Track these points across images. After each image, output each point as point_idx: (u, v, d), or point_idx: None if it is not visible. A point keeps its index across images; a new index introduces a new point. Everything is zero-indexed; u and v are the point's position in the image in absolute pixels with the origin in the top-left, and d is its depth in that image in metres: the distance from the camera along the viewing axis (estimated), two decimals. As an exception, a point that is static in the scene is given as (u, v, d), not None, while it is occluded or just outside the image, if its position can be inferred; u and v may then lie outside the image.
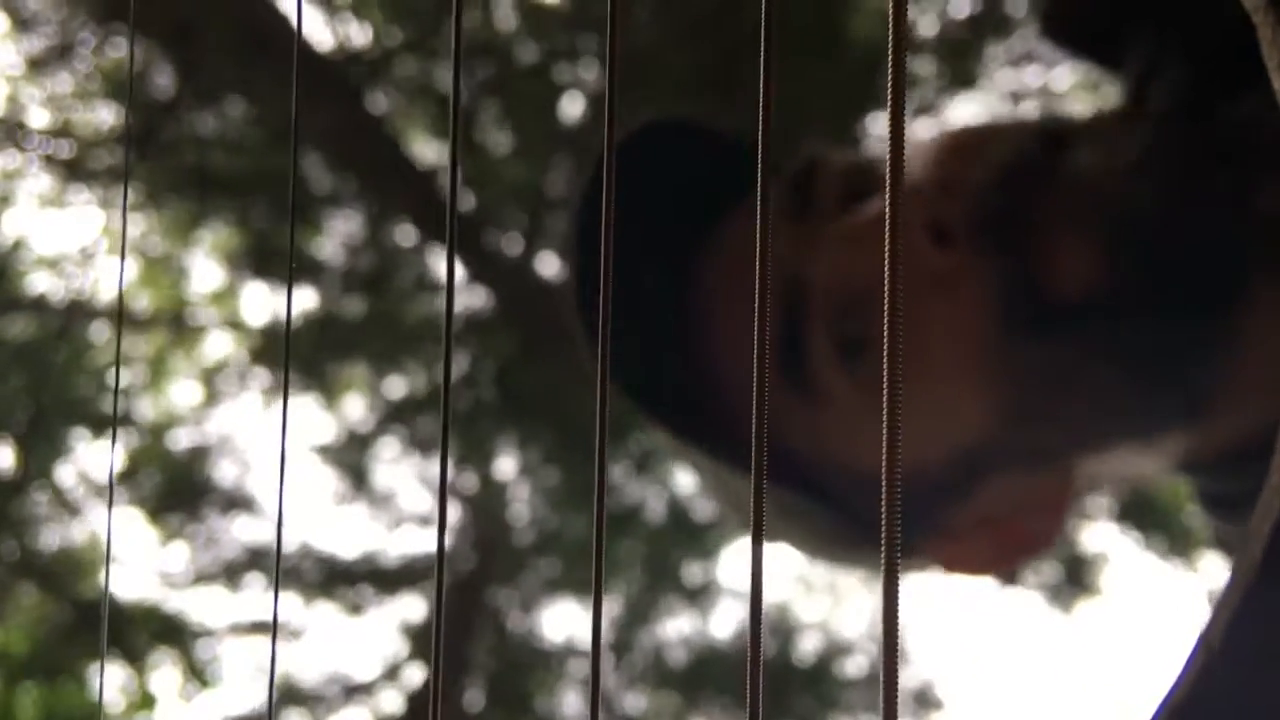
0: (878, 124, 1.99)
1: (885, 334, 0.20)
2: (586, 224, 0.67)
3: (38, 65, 2.31)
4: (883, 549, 0.19)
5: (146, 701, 2.50)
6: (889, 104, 0.20)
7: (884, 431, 0.19)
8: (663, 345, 0.67)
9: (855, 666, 2.65)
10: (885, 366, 0.20)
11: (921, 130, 0.68)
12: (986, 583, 2.49)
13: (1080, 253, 0.61)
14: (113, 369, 2.47)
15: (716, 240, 0.67)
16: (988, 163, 0.64)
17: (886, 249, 0.20)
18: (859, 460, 0.64)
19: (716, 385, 0.66)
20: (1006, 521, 0.66)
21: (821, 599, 2.72)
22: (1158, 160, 0.62)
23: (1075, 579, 2.36)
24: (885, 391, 0.19)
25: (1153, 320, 0.60)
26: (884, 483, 0.20)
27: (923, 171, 0.65)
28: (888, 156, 0.20)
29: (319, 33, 2.26)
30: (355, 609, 2.68)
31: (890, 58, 0.20)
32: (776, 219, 0.67)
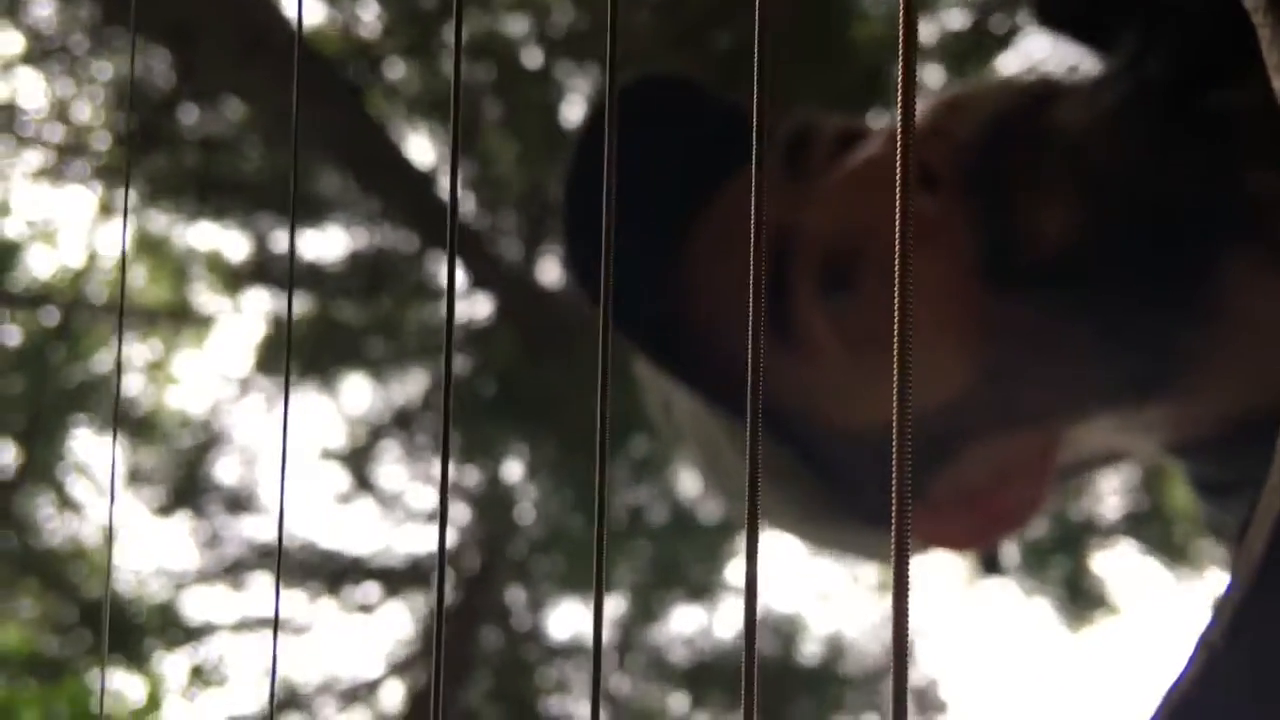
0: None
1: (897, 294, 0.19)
2: (581, 168, 0.67)
3: (39, 62, 2.30)
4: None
5: (152, 701, 2.50)
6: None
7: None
8: (652, 281, 0.67)
9: (857, 665, 2.65)
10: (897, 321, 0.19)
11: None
12: (992, 584, 2.48)
13: (1060, 208, 0.60)
14: (114, 366, 2.46)
15: (710, 193, 0.67)
16: (976, 113, 0.64)
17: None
18: (845, 418, 0.64)
19: (703, 324, 0.66)
20: (986, 492, 0.64)
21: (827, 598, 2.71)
22: (1140, 122, 0.61)
23: (1079, 582, 2.35)
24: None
25: (1129, 282, 0.59)
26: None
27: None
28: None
29: (317, 32, 2.24)
30: (360, 607, 2.68)
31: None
32: (771, 180, 0.66)
